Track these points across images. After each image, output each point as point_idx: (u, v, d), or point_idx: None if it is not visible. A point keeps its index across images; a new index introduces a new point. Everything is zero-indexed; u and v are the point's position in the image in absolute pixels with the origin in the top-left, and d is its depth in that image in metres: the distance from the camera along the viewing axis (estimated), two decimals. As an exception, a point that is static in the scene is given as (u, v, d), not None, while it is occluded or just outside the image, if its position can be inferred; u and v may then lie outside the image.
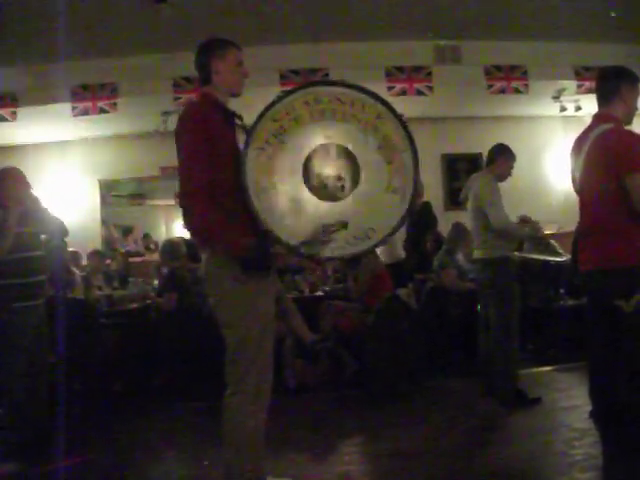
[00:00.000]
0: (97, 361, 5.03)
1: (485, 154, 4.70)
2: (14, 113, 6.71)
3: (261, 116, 2.57)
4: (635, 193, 2.75)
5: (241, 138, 2.61)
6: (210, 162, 2.47)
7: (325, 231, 2.58)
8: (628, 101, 2.98)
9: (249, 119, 2.61)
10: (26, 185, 3.86)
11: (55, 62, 6.38)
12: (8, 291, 3.64)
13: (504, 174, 4.52)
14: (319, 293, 6.14)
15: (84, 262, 6.80)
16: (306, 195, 2.58)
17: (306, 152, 2.60)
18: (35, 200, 3.91)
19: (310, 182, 2.59)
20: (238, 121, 2.68)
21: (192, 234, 2.75)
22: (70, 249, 6.20)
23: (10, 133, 7.53)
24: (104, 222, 8.79)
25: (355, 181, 2.63)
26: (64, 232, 4.22)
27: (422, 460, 3.38)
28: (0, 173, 3.83)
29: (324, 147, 2.62)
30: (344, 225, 2.61)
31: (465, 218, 4.85)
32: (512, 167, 4.54)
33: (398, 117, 2.66)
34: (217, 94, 2.66)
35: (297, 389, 5.05)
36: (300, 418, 4.42)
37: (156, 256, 7.77)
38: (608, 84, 3.01)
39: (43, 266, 3.89)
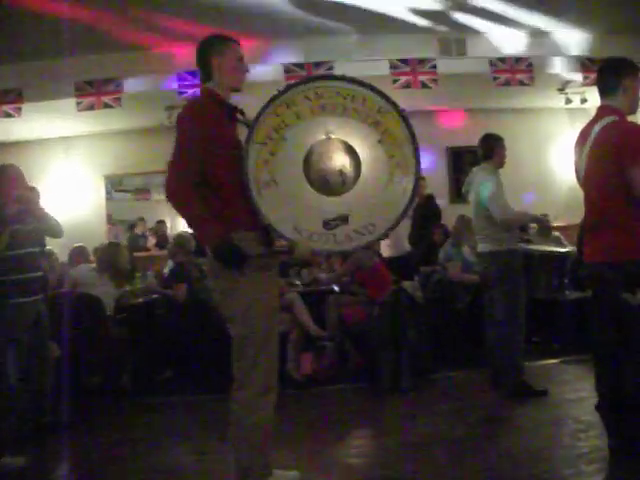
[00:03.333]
0: (104, 356, 5.05)
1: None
2: (19, 109, 6.72)
3: (262, 111, 2.57)
4: (638, 186, 2.74)
5: (243, 133, 2.61)
6: (203, 160, 2.49)
7: (327, 225, 2.59)
8: (630, 92, 2.96)
9: (254, 113, 2.61)
10: (24, 183, 3.85)
11: (59, 58, 6.40)
12: (4, 287, 3.64)
13: (503, 161, 4.57)
14: (325, 286, 6.13)
15: (91, 257, 6.82)
16: (307, 190, 2.58)
17: (307, 147, 2.60)
18: (33, 198, 3.89)
19: (311, 177, 2.59)
20: (240, 116, 2.68)
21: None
22: (77, 244, 6.24)
23: (15, 129, 7.56)
24: (110, 217, 8.83)
25: (356, 175, 2.63)
26: (56, 232, 4.01)
27: (428, 452, 3.39)
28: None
29: (325, 142, 2.62)
30: (345, 219, 2.61)
31: (470, 211, 4.84)
32: (506, 150, 4.57)
33: (399, 111, 2.65)
34: (218, 90, 2.66)
35: (302, 382, 5.06)
36: (305, 411, 4.43)
37: (160, 251, 7.82)
38: (610, 76, 2.99)
39: (40, 263, 3.89)
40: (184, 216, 2.55)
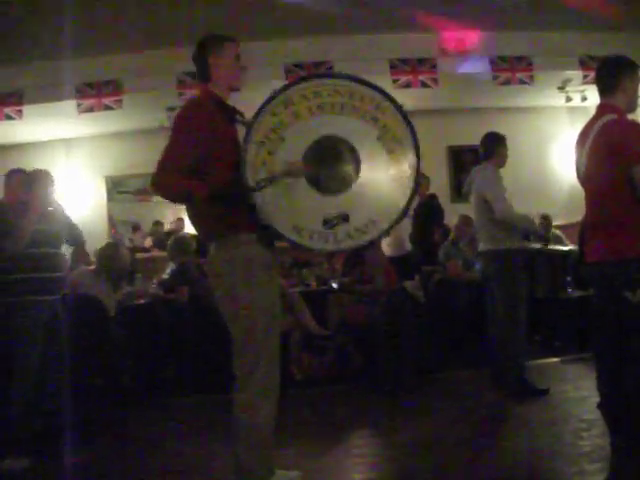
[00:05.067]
0: (106, 356, 5.05)
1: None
2: (20, 111, 6.74)
3: (260, 111, 2.57)
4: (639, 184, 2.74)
5: (241, 133, 2.61)
6: (204, 161, 2.50)
7: (327, 224, 2.59)
8: (629, 90, 2.96)
9: (252, 113, 2.60)
10: (52, 188, 3.92)
11: (60, 60, 6.40)
12: (23, 284, 3.68)
13: (504, 161, 4.58)
14: (327, 286, 6.13)
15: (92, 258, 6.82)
16: (307, 189, 2.58)
17: (306, 146, 2.60)
18: (58, 203, 4.01)
19: (310, 176, 2.59)
20: (238, 117, 2.68)
21: (197, 226, 2.75)
22: (79, 245, 6.24)
23: (16, 131, 7.56)
24: (111, 219, 8.84)
25: (356, 173, 2.62)
26: (75, 237, 4.18)
27: (430, 452, 3.38)
28: (32, 175, 3.88)
29: (324, 140, 2.61)
30: (345, 218, 2.61)
31: (471, 211, 4.85)
32: (507, 149, 4.58)
33: (398, 107, 2.64)
34: (216, 90, 2.66)
35: (304, 382, 5.06)
36: (307, 411, 4.43)
37: (159, 252, 7.81)
38: (609, 75, 2.99)
39: (60, 264, 3.93)
40: (173, 198, 2.60)
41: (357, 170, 2.62)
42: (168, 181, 2.49)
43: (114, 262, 5.33)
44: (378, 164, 2.64)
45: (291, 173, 2.54)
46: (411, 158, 2.65)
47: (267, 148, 2.58)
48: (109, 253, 5.38)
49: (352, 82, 2.65)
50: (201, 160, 2.50)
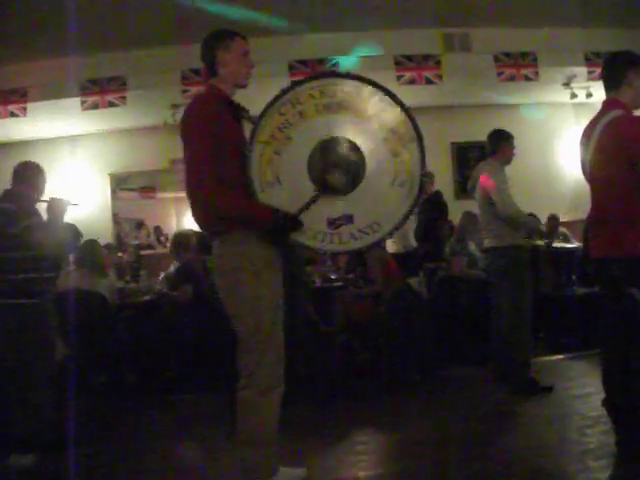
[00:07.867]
0: (111, 354, 5.07)
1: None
2: (24, 109, 6.75)
3: (267, 109, 2.56)
4: None
5: (247, 131, 2.60)
6: (217, 155, 2.48)
7: (331, 224, 2.58)
8: (635, 86, 2.95)
9: (257, 111, 2.60)
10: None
11: (64, 57, 6.41)
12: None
13: (510, 158, 4.56)
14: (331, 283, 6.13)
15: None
16: (312, 189, 2.57)
17: (312, 146, 2.58)
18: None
19: (316, 176, 2.57)
20: (244, 114, 2.67)
21: (202, 224, 2.74)
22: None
23: (20, 128, 7.57)
24: (115, 216, 8.85)
25: (361, 174, 2.60)
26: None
27: (434, 448, 3.39)
28: (33, 166, 3.81)
29: (330, 140, 2.60)
30: (349, 218, 2.60)
31: (475, 207, 4.84)
32: (514, 147, 4.56)
33: (404, 108, 2.63)
34: (223, 86, 2.66)
35: (308, 378, 5.06)
36: (311, 407, 4.43)
37: (166, 249, 7.83)
38: (615, 70, 2.98)
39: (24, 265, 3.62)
40: (225, 213, 2.54)
41: (362, 171, 2.61)
42: (227, 200, 2.50)
43: (90, 256, 5.34)
44: (383, 166, 2.63)
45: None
46: (416, 161, 2.63)
47: (273, 147, 2.57)
48: (86, 248, 5.37)
49: (360, 82, 2.63)
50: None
